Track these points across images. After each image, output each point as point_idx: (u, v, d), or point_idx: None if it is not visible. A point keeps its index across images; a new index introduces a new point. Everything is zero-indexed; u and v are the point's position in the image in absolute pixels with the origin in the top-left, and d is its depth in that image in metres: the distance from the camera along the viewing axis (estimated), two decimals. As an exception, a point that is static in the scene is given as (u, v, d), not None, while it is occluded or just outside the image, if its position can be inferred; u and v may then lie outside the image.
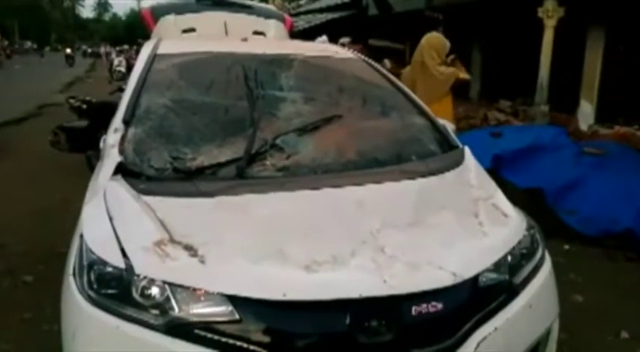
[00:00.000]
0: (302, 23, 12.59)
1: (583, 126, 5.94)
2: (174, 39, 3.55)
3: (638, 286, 3.53)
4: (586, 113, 6.36)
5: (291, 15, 14.11)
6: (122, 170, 1.98)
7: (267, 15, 4.26)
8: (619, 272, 3.74)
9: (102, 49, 44.53)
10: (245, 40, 3.21)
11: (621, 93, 7.67)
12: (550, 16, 7.31)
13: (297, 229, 1.73)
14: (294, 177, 2.07)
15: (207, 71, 2.69)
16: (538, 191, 4.27)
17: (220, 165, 2.07)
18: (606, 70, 8.02)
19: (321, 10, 13.80)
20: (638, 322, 3.05)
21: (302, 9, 15.68)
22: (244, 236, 1.66)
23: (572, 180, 4.29)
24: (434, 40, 4.83)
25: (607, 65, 8.01)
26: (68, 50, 35.43)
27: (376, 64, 3.02)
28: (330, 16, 12.70)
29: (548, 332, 1.92)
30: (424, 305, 1.56)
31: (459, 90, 5.12)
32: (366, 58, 3.12)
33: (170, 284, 1.53)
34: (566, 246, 4.06)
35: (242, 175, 2.02)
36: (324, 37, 4.46)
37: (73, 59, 33.70)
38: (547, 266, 1.99)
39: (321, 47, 3.43)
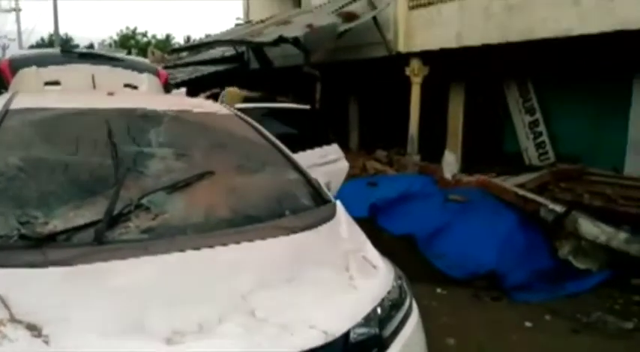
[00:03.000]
0: (182, 75, 12.43)
1: (448, 175, 6.45)
2: (33, 93, 3.29)
3: (503, 324, 3.78)
4: (450, 162, 6.94)
5: (171, 67, 13.96)
6: None
7: (140, 68, 4.14)
8: (487, 311, 4.00)
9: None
10: (111, 94, 3.07)
11: (481, 142, 8.48)
12: (416, 74, 7.99)
13: (159, 297, 1.62)
14: (160, 239, 1.95)
15: (64, 127, 2.50)
16: (410, 237, 4.49)
17: (76, 229, 1.89)
18: (467, 121, 8.86)
19: (203, 63, 13.76)
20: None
21: (183, 60, 15.50)
22: (98, 309, 1.52)
23: (440, 226, 4.60)
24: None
25: (468, 117, 8.86)
26: None
27: (248, 118, 3.02)
28: (212, 68, 12.72)
29: (419, 381, 1.96)
30: None
31: (339, 141, 5.35)
32: (238, 112, 3.11)
33: None
34: (439, 290, 4.27)
35: (101, 240, 1.86)
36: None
37: None
38: (415, 315, 2.05)
39: (193, 102, 3.37)
